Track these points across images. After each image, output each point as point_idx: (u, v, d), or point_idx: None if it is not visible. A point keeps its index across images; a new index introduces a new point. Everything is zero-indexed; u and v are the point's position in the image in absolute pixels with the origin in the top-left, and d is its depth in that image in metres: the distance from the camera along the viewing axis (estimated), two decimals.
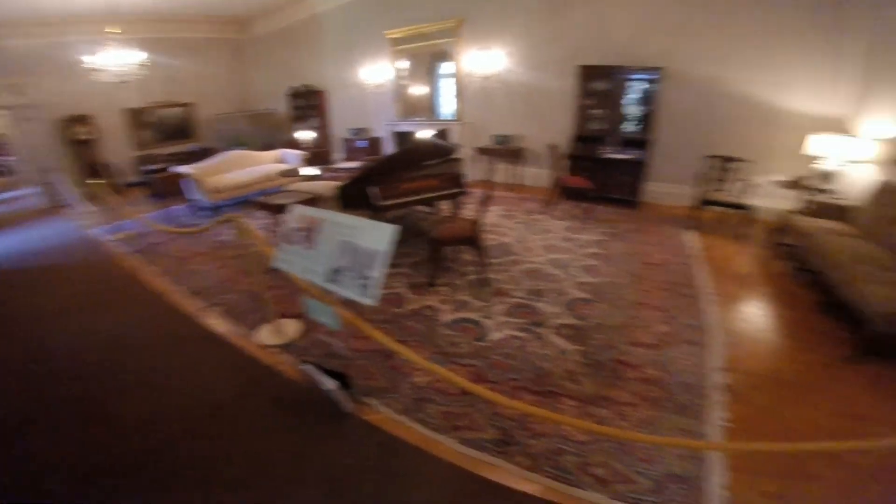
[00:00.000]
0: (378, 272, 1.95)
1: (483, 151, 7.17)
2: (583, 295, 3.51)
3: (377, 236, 2.03)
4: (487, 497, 1.89)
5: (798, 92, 5.10)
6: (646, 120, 5.79)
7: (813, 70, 4.97)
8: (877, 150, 4.14)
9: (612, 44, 5.92)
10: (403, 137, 8.04)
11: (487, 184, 7.23)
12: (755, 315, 3.37)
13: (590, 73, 5.96)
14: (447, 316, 3.20)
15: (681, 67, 5.56)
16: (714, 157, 5.19)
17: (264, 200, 4.76)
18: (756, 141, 5.34)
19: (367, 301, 1.93)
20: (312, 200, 4.66)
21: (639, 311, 3.26)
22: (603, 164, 5.91)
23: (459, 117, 7.61)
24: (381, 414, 2.33)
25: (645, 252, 4.42)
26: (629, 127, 5.94)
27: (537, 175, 7.00)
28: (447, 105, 7.89)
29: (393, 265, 4.03)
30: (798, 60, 5.01)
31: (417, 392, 2.44)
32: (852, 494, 1.84)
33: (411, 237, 4.66)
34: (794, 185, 4.68)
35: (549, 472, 1.94)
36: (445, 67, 7.63)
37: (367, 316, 3.14)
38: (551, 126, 6.57)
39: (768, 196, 5.06)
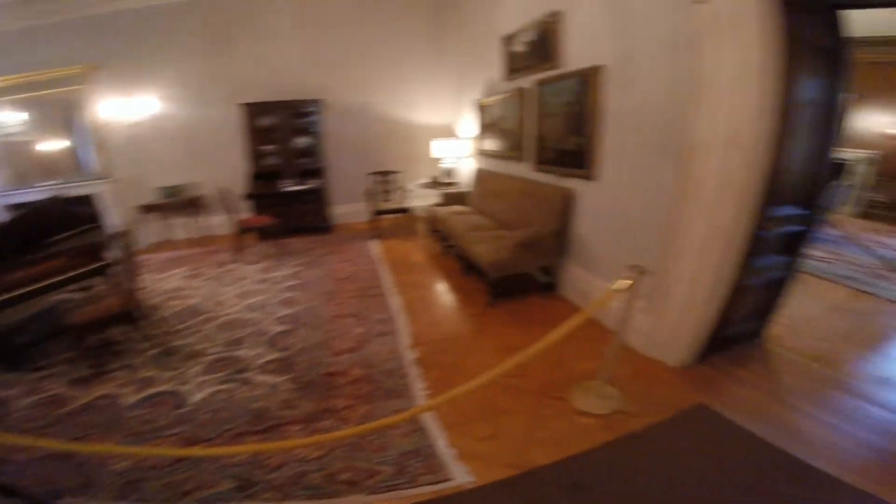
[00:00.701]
0: None
1: (150, 208, 6.18)
2: (283, 328, 3.50)
3: None
4: None
5: (422, 107, 6.46)
6: (316, 149, 6.17)
7: (428, 88, 6.41)
8: (471, 147, 5.59)
9: (275, 80, 6.07)
10: (26, 208, 6.06)
11: (165, 244, 6.32)
12: (427, 292, 4.04)
13: (256, 110, 5.91)
14: (132, 398, 2.77)
15: (339, 97, 6.20)
16: (375, 173, 5.98)
17: None
18: (402, 153, 6.46)
19: None
20: None
21: (336, 324, 3.46)
22: (286, 197, 5.98)
23: (107, 174, 6.30)
24: None
25: (337, 270, 4.71)
26: (304, 158, 6.20)
27: (225, 222, 6.52)
28: (95, 161, 6.39)
29: (37, 368, 3.14)
30: (420, 82, 6.38)
31: (122, 477, 2.14)
32: (534, 411, 2.31)
33: (60, 331, 3.59)
34: (434, 183, 5.86)
35: (301, 495, 1.93)
36: (88, 116, 6.15)
37: (22, 426, 2.49)
38: (226, 168, 6.22)
39: (419, 196, 6.18)
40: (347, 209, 6.59)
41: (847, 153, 7.07)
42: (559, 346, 2.78)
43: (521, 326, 3.23)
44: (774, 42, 1.98)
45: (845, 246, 4.99)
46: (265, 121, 6.00)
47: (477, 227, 4.07)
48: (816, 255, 4.82)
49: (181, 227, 6.45)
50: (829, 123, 2.39)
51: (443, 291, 4.03)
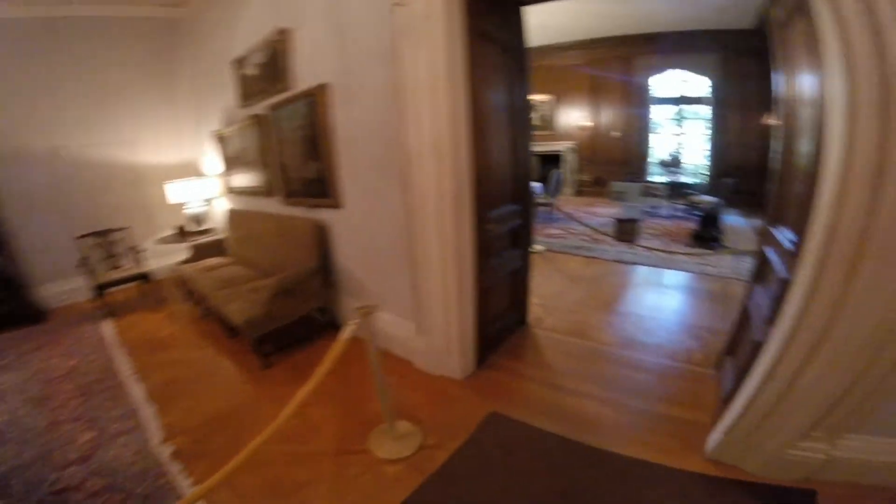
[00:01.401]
0: None
1: None
2: None
3: None
4: None
5: (150, 145, 5.23)
6: None
7: (158, 122, 5.23)
8: (219, 185, 4.82)
9: None
10: None
11: None
12: (184, 369, 3.21)
13: None
14: None
15: (13, 144, 4.46)
16: (89, 235, 4.57)
17: None
18: (128, 204, 5.13)
19: None
20: None
21: (55, 433, 2.63)
22: None
23: None
24: None
25: (48, 369, 3.45)
26: None
27: None
28: None
29: None
30: (143, 115, 5.13)
31: None
32: (336, 474, 2.03)
33: None
34: (180, 235, 4.83)
35: None
36: None
37: None
38: None
39: (162, 254, 5.05)
40: (64, 287, 4.88)
41: (558, 145, 8.87)
42: (346, 391, 2.56)
43: (308, 378, 2.81)
44: (464, 43, 2.04)
45: (569, 222, 6.16)
46: None
47: (229, 282, 3.43)
48: (553, 233, 5.79)
49: None
50: (523, 121, 2.69)
51: (205, 364, 3.26)
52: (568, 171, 8.89)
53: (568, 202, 8.07)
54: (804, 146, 1.55)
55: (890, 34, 1.02)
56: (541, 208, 6.49)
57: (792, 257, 1.50)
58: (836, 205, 1.20)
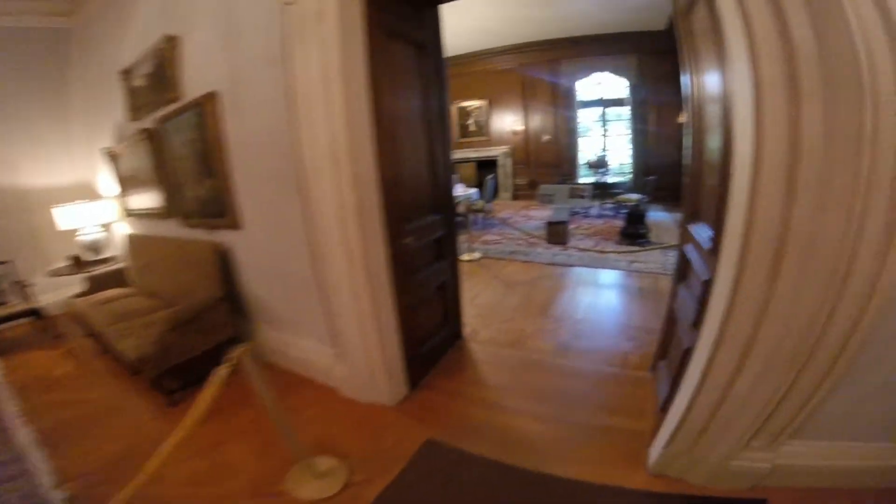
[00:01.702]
0: None
1: None
2: None
3: None
4: None
5: (37, 166, 4.55)
6: None
7: (46, 140, 4.59)
8: (117, 208, 4.27)
9: None
10: None
11: None
12: (80, 409, 2.82)
13: None
14: None
15: None
16: None
17: None
18: (11, 233, 4.43)
19: None
20: None
21: None
22: None
23: None
24: None
25: None
26: None
27: None
28: None
29: None
30: (27, 132, 4.48)
31: None
32: None
33: None
34: (77, 265, 4.23)
35: None
36: None
37: None
38: None
39: (56, 288, 4.42)
40: None
41: (493, 150, 8.90)
42: (266, 426, 2.25)
43: (223, 415, 2.45)
44: (366, 40, 1.85)
45: (505, 227, 6.12)
46: None
47: (124, 316, 3.00)
48: (490, 239, 5.72)
49: None
50: (442, 126, 2.52)
51: (104, 403, 2.87)
52: (504, 175, 8.95)
53: (505, 207, 8.09)
54: (714, 140, 1.49)
55: (791, 10, 0.94)
56: (477, 214, 6.41)
57: (711, 256, 1.42)
58: (750, 197, 1.12)
